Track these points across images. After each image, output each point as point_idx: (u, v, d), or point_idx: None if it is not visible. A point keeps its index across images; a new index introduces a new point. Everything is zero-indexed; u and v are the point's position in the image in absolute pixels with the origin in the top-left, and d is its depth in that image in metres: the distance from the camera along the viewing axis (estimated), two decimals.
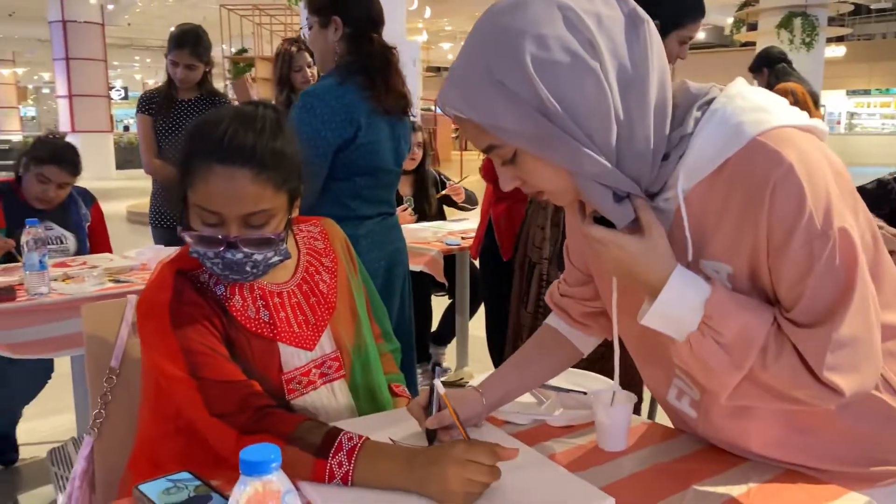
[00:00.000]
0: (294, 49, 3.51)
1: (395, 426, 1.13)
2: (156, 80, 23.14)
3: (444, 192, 3.62)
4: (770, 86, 3.57)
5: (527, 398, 1.28)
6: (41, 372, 2.43)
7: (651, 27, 0.87)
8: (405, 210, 3.53)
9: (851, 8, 14.13)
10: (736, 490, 0.95)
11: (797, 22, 11.79)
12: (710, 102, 0.90)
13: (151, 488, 0.97)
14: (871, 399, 0.94)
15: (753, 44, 12.80)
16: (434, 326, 3.56)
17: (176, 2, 14.16)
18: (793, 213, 0.81)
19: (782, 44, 11.87)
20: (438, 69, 31.25)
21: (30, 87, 29.89)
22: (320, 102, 1.92)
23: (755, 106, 0.87)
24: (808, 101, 3.51)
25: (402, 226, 3.36)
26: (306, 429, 1.00)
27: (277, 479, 0.60)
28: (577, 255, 1.16)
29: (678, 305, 0.88)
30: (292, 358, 1.20)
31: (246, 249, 1.10)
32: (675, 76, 0.99)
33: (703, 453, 1.06)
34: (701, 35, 21.10)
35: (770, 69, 3.63)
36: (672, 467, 1.03)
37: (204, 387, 1.06)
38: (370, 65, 1.98)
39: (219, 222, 1.09)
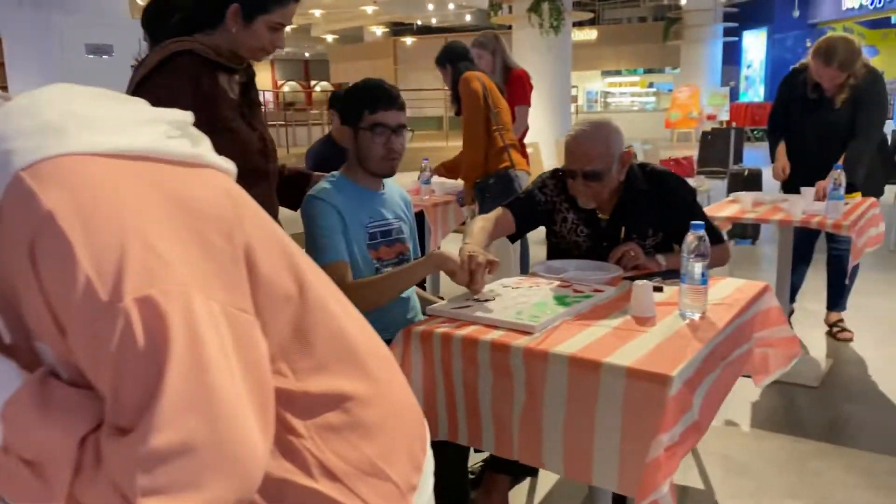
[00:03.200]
0: None
1: None
2: None
3: None
4: (455, 80, 3.54)
5: None
6: None
7: None
8: None
9: None
10: None
11: (545, 6, 12.37)
12: None
13: None
14: (309, 494, 0.75)
15: (510, 27, 13.28)
16: None
17: None
18: (59, 281, 0.57)
19: (533, 27, 12.44)
20: None
21: None
22: None
23: (44, 125, 0.62)
24: (494, 90, 3.51)
25: None
26: None
27: None
28: None
29: None
30: None
31: None
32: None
33: None
34: (468, 17, 21.74)
35: (453, 65, 3.61)
36: None
37: None
38: None
39: None
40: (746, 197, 3.23)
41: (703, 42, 18.19)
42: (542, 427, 1.50)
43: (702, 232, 1.64)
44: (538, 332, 1.57)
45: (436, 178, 4.03)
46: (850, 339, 3.70)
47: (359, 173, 2.04)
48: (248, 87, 1.92)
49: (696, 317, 1.65)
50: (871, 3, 16.44)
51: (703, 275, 1.64)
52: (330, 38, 24.97)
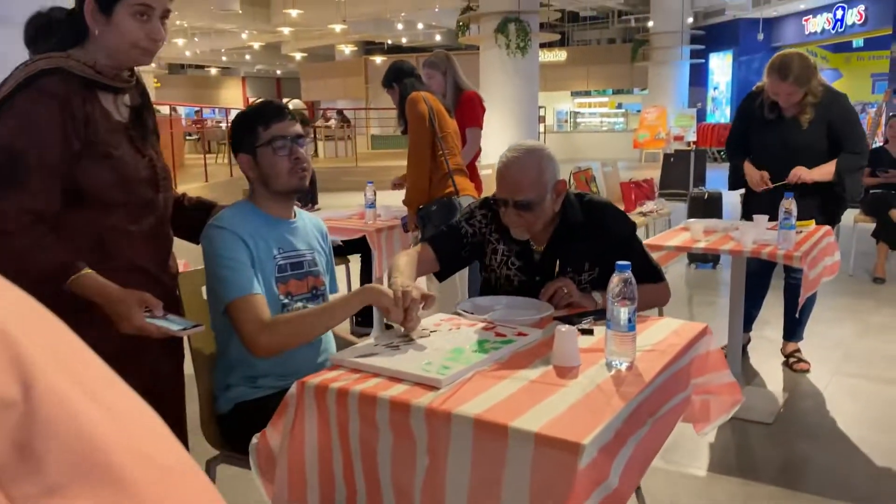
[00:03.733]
0: None
1: None
2: None
3: None
4: (402, 98, 3.40)
5: None
6: None
7: None
8: None
9: (559, 15, 15.29)
10: None
11: (512, 27, 12.33)
12: None
13: None
14: None
15: (477, 47, 13.22)
16: None
17: None
18: None
19: (500, 48, 12.39)
20: (182, 66, 29.34)
21: None
22: None
23: None
24: (441, 112, 3.38)
25: None
26: None
27: None
28: None
29: None
30: None
31: None
32: None
33: None
34: (438, 37, 21.75)
35: (399, 83, 3.47)
36: None
37: None
38: None
39: None
40: (697, 225, 3.11)
41: (671, 64, 18.34)
42: (446, 495, 1.32)
43: (627, 273, 1.49)
44: (445, 388, 1.40)
45: (381, 202, 3.87)
46: (807, 370, 3.59)
47: (266, 200, 1.87)
48: (142, 109, 1.74)
49: (624, 367, 1.49)
50: (833, 28, 16.71)
51: (630, 320, 1.49)
52: (299, 55, 24.83)
